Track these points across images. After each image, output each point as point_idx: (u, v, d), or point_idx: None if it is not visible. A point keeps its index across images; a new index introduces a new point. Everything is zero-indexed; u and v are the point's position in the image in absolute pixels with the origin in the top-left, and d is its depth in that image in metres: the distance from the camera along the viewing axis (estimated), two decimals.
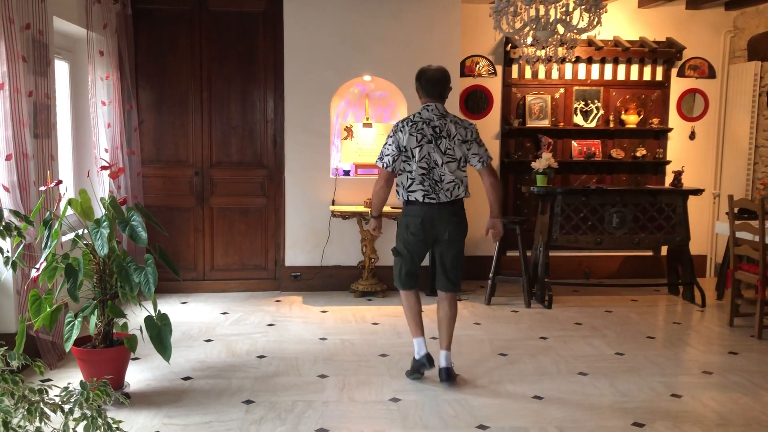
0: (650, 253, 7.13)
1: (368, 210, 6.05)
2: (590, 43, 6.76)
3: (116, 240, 3.75)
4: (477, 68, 6.88)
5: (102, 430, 2.36)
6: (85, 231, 3.77)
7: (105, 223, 3.63)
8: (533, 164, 6.21)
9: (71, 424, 2.35)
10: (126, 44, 5.84)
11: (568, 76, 6.98)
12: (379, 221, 4.28)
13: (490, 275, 6.09)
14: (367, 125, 6.42)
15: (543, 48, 5.28)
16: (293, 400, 3.80)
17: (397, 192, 4.11)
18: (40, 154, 4.31)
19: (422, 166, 3.97)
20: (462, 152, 4.01)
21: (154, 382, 4.07)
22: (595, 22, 4.91)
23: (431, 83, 4.04)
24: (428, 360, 4.11)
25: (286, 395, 3.87)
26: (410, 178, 4.00)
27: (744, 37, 6.97)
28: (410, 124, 4.00)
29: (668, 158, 7.10)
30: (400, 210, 4.23)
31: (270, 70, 6.30)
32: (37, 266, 3.64)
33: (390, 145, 4.00)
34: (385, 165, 4.03)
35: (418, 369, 4.14)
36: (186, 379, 4.13)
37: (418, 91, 4.12)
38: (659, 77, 7.08)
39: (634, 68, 7.03)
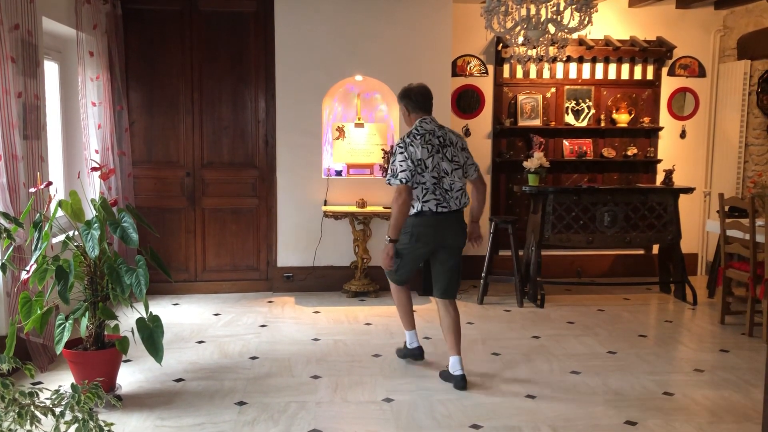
0: (642, 252, 7.16)
1: (361, 210, 6.05)
2: (581, 42, 6.78)
3: (107, 241, 3.73)
4: (468, 68, 6.88)
5: None
6: (76, 233, 3.75)
7: (96, 224, 3.61)
8: (525, 163, 6.22)
9: (62, 427, 2.34)
10: (116, 45, 5.81)
11: (560, 75, 6.99)
12: (393, 247, 4.10)
13: (483, 274, 6.10)
14: (359, 125, 6.42)
15: (534, 47, 5.29)
16: (286, 401, 3.79)
17: (412, 205, 4.08)
18: (30, 155, 4.29)
19: (434, 176, 4.02)
20: (463, 159, 4.13)
21: (146, 384, 4.05)
22: (585, 22, 4.92)
23: (423, 97, 4.16)
24: (420, 352, 4.45)
25: (278, 396, 3.87)
26: (424, 189, 4.02)
27: (734, 36, 7.00)
28: (418, 137, 4.04)
29: (659, 157, 7.13)
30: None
31: (261, 70, 6.28)
32: (28, 268, 3.62)
33: (403, 161, 3.98)
34: (405, 180, 3.96)
35: (407, 356, 4.48)
36: (178, 380, 4.12)
37: (407, 107, 4.19)
38: (650, 76, 7.11)
39: (625, 67, 7.06)
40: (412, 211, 4.09)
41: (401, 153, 4.00)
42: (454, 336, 4.10)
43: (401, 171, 3.98)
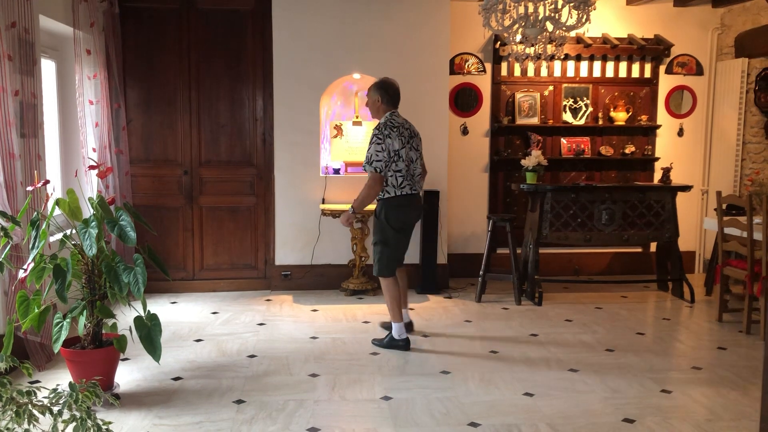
0: (639, 250, 7.17)
1: None
2: (579, 40, 6.78)
3: (105, 240, 3.72)
4: (466, 66, 6.88)
5: (92, 431, 2.35)
6: (74, 231, 3.74)
7: (93, 223, 3.61)
8: (523, 162, 6.22)
9: (60, 426, 2.34)
10: (113, 43, 5.80)
11: (557, 73, 6.99)
12: (355, 216, 4.69)
13: (481, 272, 6.10)
14: (357, 123, 6.41)
15: (532, 45, 5.28)
16: (284, 400, 3.79)
17: (387, 191, 4.59)
18: (27, 153, 4.28)
19: (406, 164, 4.59)
20: (421, 148, 4.80)
21: (144, 382, 4.05)
22: (583, 20, 4.91)
23: (396, 93, 4.72)
24: (407, 344, 4.68)
25: (277, 394, 3.87)
26: (400, 176, 4.57)
27: (731, 34, 7.00)
28: (394, 129, 4.56)
29: (657, 155, 7.14)
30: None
31: (258, 68, 6.27)
32: (25, 267, 3.62)
33: (380, 152, 4.50)
34: (379, 170, 4.50)
35: (393, 347, 4.66)
36: (176, 379, 4.11)
37: (382, 99, 4.70)
38: (647, 74, 7.11)
39: (623, 65, 7.06)
40: (389, 195, 4.58)
41: (379, 143, 4.47)
42: (406, 293, 4.99)
43: (377, 161, 4.46)
